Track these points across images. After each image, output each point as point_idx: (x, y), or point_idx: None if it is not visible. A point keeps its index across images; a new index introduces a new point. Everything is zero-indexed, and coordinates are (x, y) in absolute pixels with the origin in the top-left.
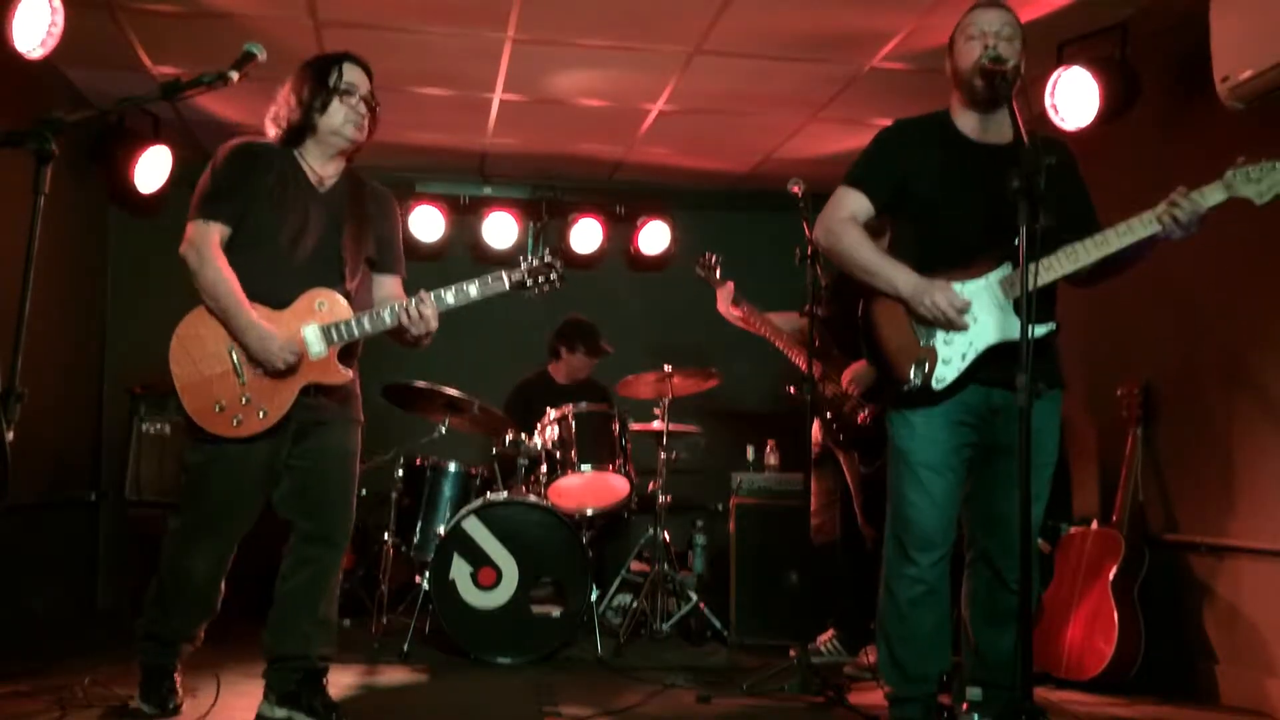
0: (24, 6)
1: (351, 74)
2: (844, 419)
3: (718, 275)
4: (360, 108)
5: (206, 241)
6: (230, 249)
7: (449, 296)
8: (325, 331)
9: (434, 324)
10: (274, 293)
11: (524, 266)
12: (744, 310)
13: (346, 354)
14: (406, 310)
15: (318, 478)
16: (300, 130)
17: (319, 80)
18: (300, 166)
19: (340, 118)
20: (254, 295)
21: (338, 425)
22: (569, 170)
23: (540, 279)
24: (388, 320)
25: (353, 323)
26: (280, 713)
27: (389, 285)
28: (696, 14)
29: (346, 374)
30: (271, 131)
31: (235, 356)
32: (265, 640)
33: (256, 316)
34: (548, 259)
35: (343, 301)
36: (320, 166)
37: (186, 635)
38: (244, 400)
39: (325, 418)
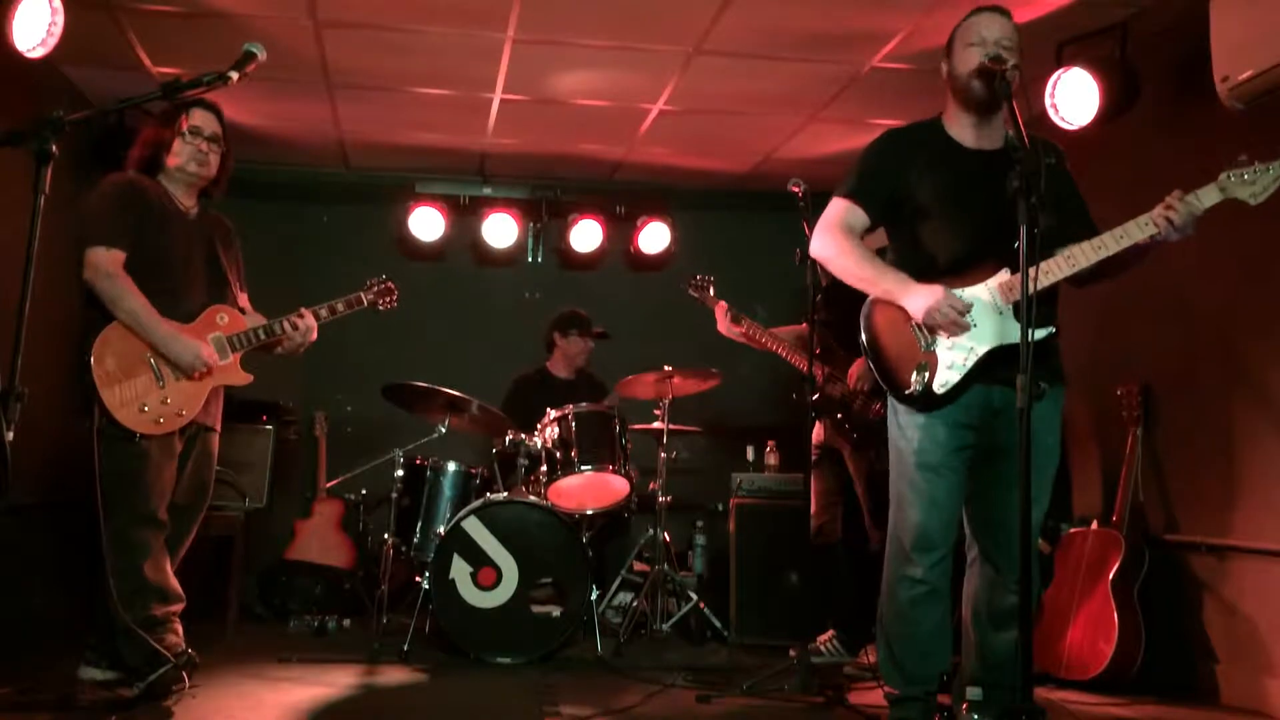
0: (24, 6)
1: (198, 118)
2: (856, 417)
3: (711, 294)
4: (204, 146)
5: (111, 264)
6: (130, 272)
7: (323, 311)
8: (230, 341)
9: (314, 335)
10: (177, 309)
11: (374, 289)
12: (745, 326)
13: None
14: (294, 322)
15: (194, 482)
16: (151, 166)
17: (166, 123)
18: (172, 196)
19: (186, 155)
20: (160, 312)
21: (214, 435)
22: (569, 170)
23: (386, 299)
24: (277, 331)
25: (250, 332)
26: (111, 673)
27: (242, 301)
28: (696, 14)
29: (248, 376)
30: (131, 169)
31: (155, 363)
32: (116, 613)
33: (175, 329)
34: (386, 284)
35: (240, 315)
36: (184, 197)
37: (162, 624)
38: (165, 401)
39: (209, 423)
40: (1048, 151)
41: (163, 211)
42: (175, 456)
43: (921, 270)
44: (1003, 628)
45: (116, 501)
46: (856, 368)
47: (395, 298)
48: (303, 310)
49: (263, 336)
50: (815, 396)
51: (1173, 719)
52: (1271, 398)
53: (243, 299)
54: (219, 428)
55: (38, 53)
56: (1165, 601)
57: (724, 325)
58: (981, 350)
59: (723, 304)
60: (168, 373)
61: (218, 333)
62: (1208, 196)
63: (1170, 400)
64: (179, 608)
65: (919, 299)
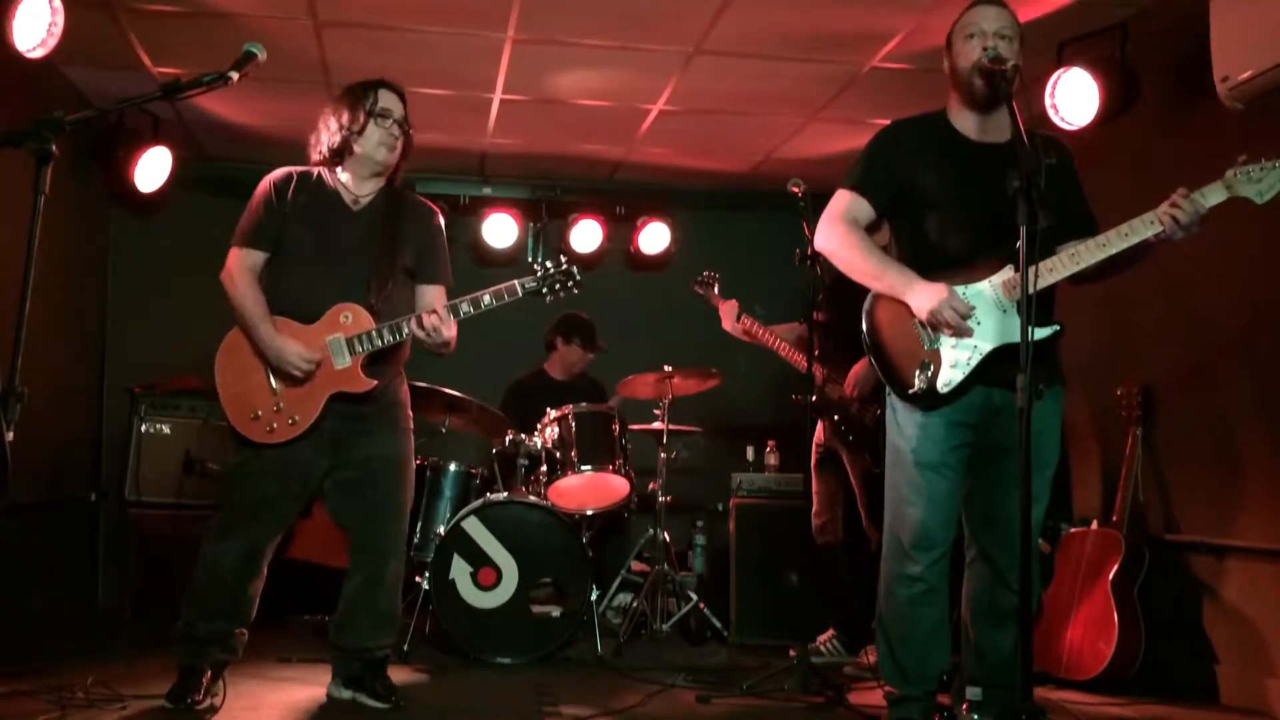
0: (24, 6)
1: (386, 99)
2: (851, 421)
3: (716, 292)
4: (394, 130)
5: (239, 267)
6: (271, 269)
7: (464, 305)
8: (348, 343)
9: (445, 334)
10: (304, 308)
11: (540, 274)
12: (748, 325)
13: (382, 363)
14: (419, 322)
15: (365, 487)
16: (339, 153)
17: (356, 105)
18: (335, 188)
19: (375, 140)
20: (285, 311)
21: (382, 434)
22: (569, 170)
23: (557, 286)
24: (405, 331)
25: (372, 334)
26: (345, 693)
27: (431, 294)
28: (696, 14)
29: (370, 382)
30: (315, 156)
31: (268, 369)
32: (330, 630)
33: (275, 331)
34: (565, 266)
35: (366, 315)
36: (356, 186)
37: (217, 639)
38: (276, 408)
39: (370, 427)
40: (1051, 150)
41: (313, 204)
42: (296, 469)
43: (925, 265)
44: (1002, 627)
45: (221, 500)
46: (855, 372)
47: (574, 284)
48: (436, 307)
49: (387, 338)
50: (814, 397)
51: (1173, 719)
52: (1271, 398)
53: (431, 293)
54: (406, 425)
55: (38, 53)
56: (1165, 601)
57: (729, 323)
58: (986, 349)
59: (733, 302)
60: (279, 379)
61: (337, 334)
62: (1213, 194)
63: (1170, 400)
64: (235, 629)
65: (922, 297)
